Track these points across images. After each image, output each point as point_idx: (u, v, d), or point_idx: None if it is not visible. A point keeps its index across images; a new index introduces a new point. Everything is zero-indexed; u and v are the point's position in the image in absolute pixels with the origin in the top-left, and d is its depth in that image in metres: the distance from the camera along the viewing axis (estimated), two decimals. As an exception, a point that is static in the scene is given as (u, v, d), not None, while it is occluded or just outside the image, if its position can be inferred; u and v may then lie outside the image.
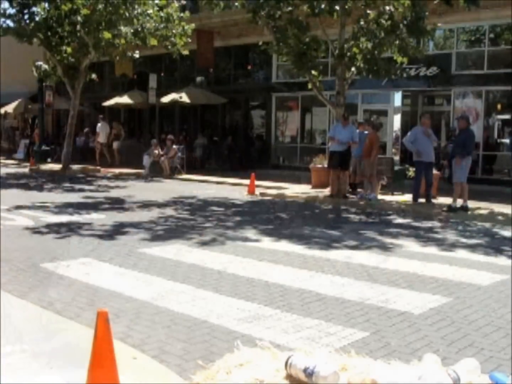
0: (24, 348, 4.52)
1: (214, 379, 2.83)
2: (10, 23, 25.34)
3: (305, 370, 2.71)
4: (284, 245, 9.69)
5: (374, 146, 16.31)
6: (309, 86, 18.83)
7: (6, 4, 24.80)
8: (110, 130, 29.06)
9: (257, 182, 18.31)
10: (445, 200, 14.93)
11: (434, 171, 15.69)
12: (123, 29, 23.15)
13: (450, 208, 13.95)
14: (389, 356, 4.49)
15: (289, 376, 2.78)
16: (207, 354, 4.70)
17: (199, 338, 5.18)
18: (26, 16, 24.15)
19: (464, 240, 10.69)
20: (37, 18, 24.18)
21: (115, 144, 28.97)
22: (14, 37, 24.39)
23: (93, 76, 26.64)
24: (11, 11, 24.76)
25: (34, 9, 24.26)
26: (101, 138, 28.45)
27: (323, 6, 17.16)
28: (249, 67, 28.91)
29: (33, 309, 5.75)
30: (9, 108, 35.95)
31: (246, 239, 10.16)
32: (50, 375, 4.04)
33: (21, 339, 4.73)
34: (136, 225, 11.38)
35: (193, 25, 24.67)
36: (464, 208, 13.98)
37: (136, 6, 22.93)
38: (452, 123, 21.49)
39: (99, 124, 28.58)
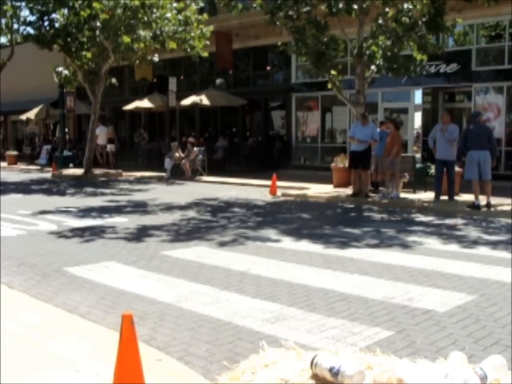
0: (50, 352, 4.56)
1: (239, 380, 2.83)
2: (30, 30, 25.62)
3: (330, 370, 2.70)
4: (307, 245, 9.67)
5: (395, 144, 16.26)
6: (329, 85, 18.83)
7: (26, 12, 25.03)
8: None
9: (278, 183, 18.30)
10: (469, 197, 14.83)
11: (457, 169, 15.61)
12: (142, 33, 23.25)
13: (473, 205, 13.86)
14: (415, 355, 4.47)
15: (314, 376, 2.77)
16: (232, 355, 4.71)
17: (224, 339, 5.19)
18: (46, 23, 24.35)
19: (487, 237, 10.61)
20: (56, 25, 24.36)
21: (109, 147, 30.39)
22: (35, 43, 24.63)
23: (113, 80, 26.78)
24: (31, 18, 25.04)
25: (53, 15, 24.45)
26: (100, 140, 29.68)
27: (341, 5, 17.16)
28: (268, 68, 28.92)
29: (58, 312, 5.80)
30: (31, 114, 36.22)
31: (268, 240, 10.16)
32: (76, 378, 4.07)
33: (47, 343, 4.77)
34: (159, 228, 11.43)
35: (211, 28, 24.73)
36: (488, 205, 13.89)
37: (155, 10, 23.02)
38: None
39: (97, 128, 29.08)
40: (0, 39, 32.79)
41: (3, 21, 29.37)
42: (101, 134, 29.68)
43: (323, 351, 2.99)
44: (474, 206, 13.81)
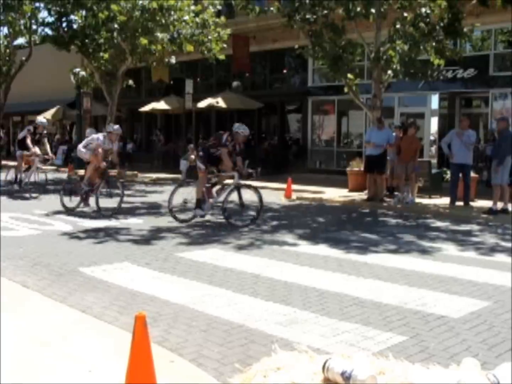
0: (63, 352, 4.58)
1: (251, 382, 2.83)
2: (48, 31, 25.77)
3: (342, 374, 2.70)
4: (321, 249, 9.65)
5: (417, 149, 16.28)
6: (345, 89, 18.81)
7: (44, 13, 25.12)
8: None
9: (294, 186, 18.28)
10: (485, 203, 14.76)
11: (472, 174, 15.51)
12: (160, 35, 23.31)
13: (491, 211, 13.75)
14: (428, 361, 4.45)
15: (326, 380, 2.77)
16: (244, 358, 4.70)
17: (236, 342, 5.19)
18: (64, 24, 24.49)
19: (503, 243, 10.54)
20: (74, 26, 24.52)
21: None
22: (53, 44, 24.79)
23: (130, 82, 26.88)
24: (50, 19, 25.19)
25: (71, 17, 24.59)
26: None
27: (358, 9, 17.14)
28: (285, 71, 28.93)
29: (72, 313, 5.82)
30: (48, 114, 36.37)
31: (283, 243, 10.15)
32: (89, 378, 4.08)
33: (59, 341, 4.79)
34: (173, 230, 11.45)
35: (228, 30, 24.76)
36: (505, 211, 13.78)
37: (172, 13, 23.07)
38: (490, 125, 21.24)
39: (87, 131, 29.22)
40: (18, 39, 32.98)
41: (22, 22, 29.59)
42: None
43: (335, 355, 2.99)
44: (492, 212, 13.70)
